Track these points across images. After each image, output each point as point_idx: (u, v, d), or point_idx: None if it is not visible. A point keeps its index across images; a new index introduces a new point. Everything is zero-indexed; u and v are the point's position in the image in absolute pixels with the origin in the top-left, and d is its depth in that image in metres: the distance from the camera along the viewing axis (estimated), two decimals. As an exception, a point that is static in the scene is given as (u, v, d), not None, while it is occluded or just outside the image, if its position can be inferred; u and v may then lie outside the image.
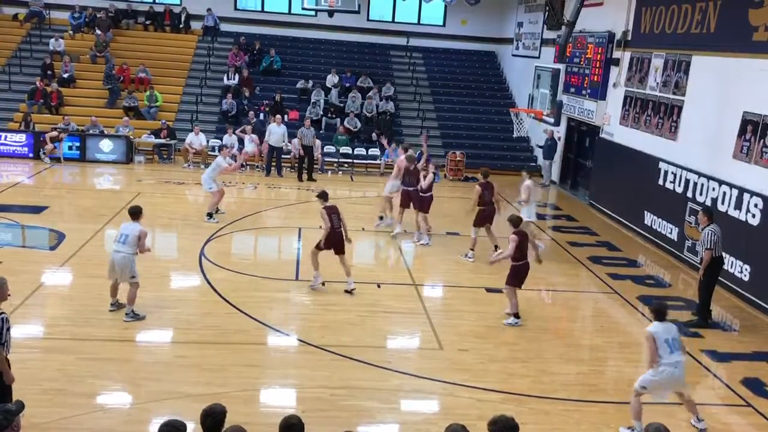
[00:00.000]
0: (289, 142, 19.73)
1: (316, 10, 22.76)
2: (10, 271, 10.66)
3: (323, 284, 10.98)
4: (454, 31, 26.92)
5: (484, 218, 12.95)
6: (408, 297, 11.01)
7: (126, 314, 9.33)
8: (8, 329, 6.05)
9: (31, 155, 19.13)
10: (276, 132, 19.11)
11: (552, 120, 16.32)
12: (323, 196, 10.91)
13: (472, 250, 12.94)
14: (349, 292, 10.74)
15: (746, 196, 11.80)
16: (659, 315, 7.28)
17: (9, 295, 6.34)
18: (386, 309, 10.45)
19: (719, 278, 10.91)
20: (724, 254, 12.11)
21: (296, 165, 19.49)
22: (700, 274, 10.50)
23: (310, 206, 16.29)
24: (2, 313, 6.04)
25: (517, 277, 10.00)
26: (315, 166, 19.69)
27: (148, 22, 25.20)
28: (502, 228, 12.17)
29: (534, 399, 7.98)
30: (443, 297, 11.37)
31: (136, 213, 9.59)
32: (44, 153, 18.96)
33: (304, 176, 19.21)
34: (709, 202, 12.80)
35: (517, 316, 10.06)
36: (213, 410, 4.89)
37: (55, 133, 18.97)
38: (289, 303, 10.50)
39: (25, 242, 12.86)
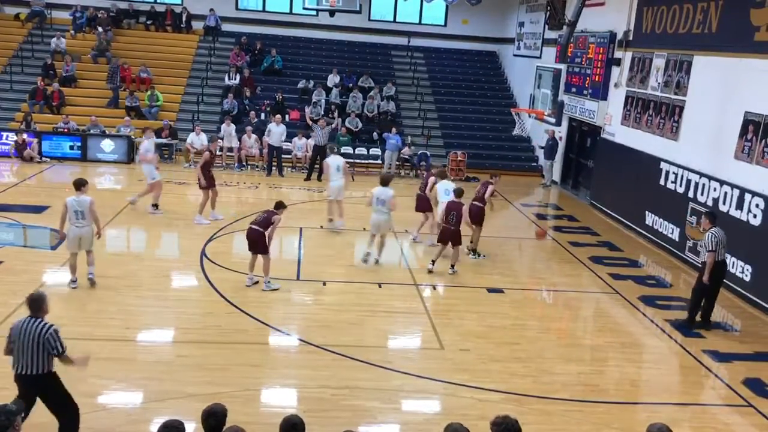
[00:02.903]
0: (300, 138, 19.87)
1: (318, 10, 22.77)
2: (11, 271, 10.72)
3: (324, 284, 11.01)
4: (456, 30, 26.92)
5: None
6: (409, 297, 11.02)
7: (73, 281, 10.27)
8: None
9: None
10: (276, 131, 19.12)
11: (553, 120, 16.34)
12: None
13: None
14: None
15: (747, 196, 11.79)
16: (383, 182, 12.08)
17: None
18: (387, 309, 10.45)
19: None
20: (725, 254, 12.17)
21: (307, 164, 19.60)
22: (706, 278, 10.10)
23: (311, 206, 16.33)
24: (52, 324, 6.09)
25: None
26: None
27: (149, 22, 25.21)
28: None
29: (535, 399, 7.98)
30: (444, 297, 11.36)
31: (80, 184, 10.24)
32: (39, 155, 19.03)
33: (314, 176, 19.22)
34: (710, 203, 12.80)
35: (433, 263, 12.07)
36: (214, 410, 4.89)
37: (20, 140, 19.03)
38: (290, 303, 10.50)
39: (27, 242, 12.86)
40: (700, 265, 10.77)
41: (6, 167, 18.30)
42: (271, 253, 10.82)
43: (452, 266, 12.01)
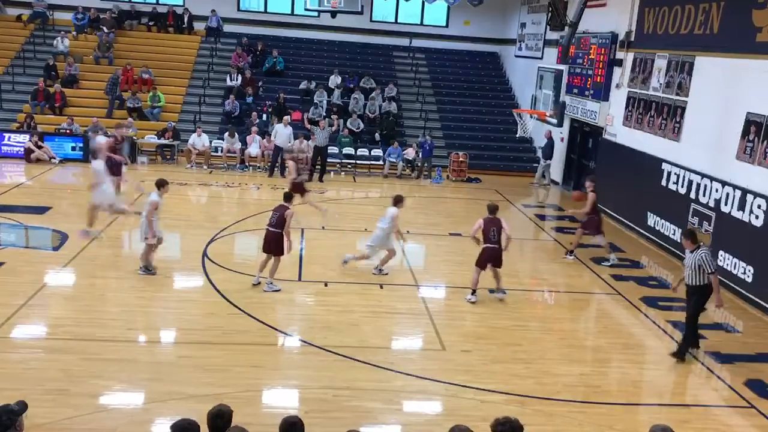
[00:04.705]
0: (301, 141, 19.90)
1: (319, 11, 22.78)
2: (13, 272, 10.73)
3: (326, 285, 11.01)
4: (457, 31, 26.92)
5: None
6: (411, 298, 11.02)
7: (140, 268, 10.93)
8: None
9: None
10: (282, 133, 19.20)
11: (555, 121, 16.33)
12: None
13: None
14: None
15: (749, 197, 11.78)
16: (397, 202, 11.43)
17: None
18: (389, 310, 10.46)
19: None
20: (727, 255, 12.17)
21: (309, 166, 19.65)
22: (719, 300, 9.22)
23: (313, 207, 16.30)
24: None
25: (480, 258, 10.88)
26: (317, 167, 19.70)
27: (151, 23, 25.24)
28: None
29: (537, 400, 7.98)
30: (446, 298, 11.36)
31: (157, 184, 10.88)
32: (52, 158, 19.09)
33: (315, 177, 19.24)
34: (712, 204, 12.79)
35: (474, 292, 10.87)
36: (222, 411, 4.90)
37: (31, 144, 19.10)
38: (292, 304, 10.51)
39: (29, 243, 12.88)
40: (688, 287, 9.42)
41: (10, 168, 18.31)
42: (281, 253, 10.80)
43: (501, 290, 10.98)
